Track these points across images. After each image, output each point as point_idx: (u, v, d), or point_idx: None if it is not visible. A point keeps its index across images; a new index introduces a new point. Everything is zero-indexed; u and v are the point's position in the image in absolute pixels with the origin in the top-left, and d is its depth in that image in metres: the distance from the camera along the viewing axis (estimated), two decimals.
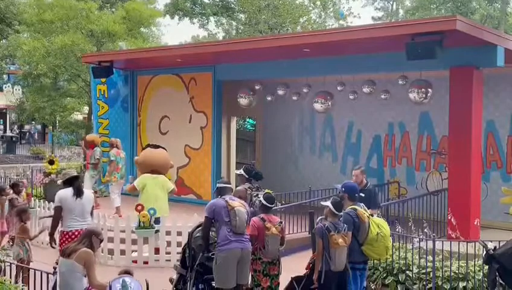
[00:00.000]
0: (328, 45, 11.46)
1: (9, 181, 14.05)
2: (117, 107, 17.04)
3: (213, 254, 6.92)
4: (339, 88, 13.52)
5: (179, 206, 12.66)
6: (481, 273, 7.61)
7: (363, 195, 8.06)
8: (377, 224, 7.16)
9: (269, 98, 15.02)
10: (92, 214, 8.00)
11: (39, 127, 41.69)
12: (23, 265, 7.82)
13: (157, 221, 10.20)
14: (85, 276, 6.07)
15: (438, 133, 13.79)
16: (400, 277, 8.07)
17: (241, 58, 13.83)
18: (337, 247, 6.76)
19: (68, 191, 7.71)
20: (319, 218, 7.49)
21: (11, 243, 10.57)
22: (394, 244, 8.16)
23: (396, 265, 8.20)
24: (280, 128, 16.71)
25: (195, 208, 12.28)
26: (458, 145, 10.75)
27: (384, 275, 8.21)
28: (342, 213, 7.08)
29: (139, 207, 10.15)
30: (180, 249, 8.15)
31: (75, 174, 8.12)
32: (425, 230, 8.87)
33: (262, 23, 29.04)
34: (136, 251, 10.27)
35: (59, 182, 9.71)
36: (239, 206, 6.99)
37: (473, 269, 7.78)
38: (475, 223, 10.59)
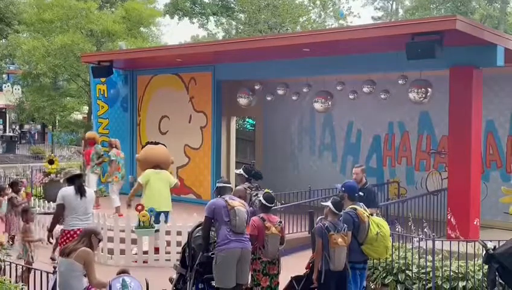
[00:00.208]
0: (328, 45, 11.46)
1: (9, 181, 14.03)
2: (117, 107, 17.04)
3: (213, 254, 6.92)
4: (338, 88, 13.52)
5: (178, 205, 12.65)
6: (481, 273, 7.61)
7: (362, 194, 8.06)
8: (377, 224, 7.16)
9: (269, 98, 15.02)
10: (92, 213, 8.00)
11: (39, 127, 41.69)
12: (22, 265, 7.81)
13: (165, 216, 10.32)
14: (85, 275, 6.07)
15: (437, 133, 13.79)
16: (399, 277, 8.07)
17: (240, 58, 13.83)
18: (337, 247, 6.76)
19: (71, 190, 7.69)
20: (318, 218, 7.50)
21: (11, 243, 10.59)
22: (394, 244, 8.16)
23: (396, 265, 8.20)
24: (280, 128, 16.71)
25: (195, 207, 12.28)
26: (458, 145, 10.75)
27: (384, 274, 8.21)
28: (342, 213, 7.08)
29: (139, 207, 10.16)
30: (179, 249, 8.16)
31: (78, 172, 8.13)
32: (425, 230, 8.86)
33: (262, 23, 29.05)
34: (136, 246, 10.28)
35: (62, 180, 9.75)
36: (239, 205, 7.00)
37: (473, 269, 7.78)
38: (475, 222, 10.60)
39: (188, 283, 7.06)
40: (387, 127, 14.69)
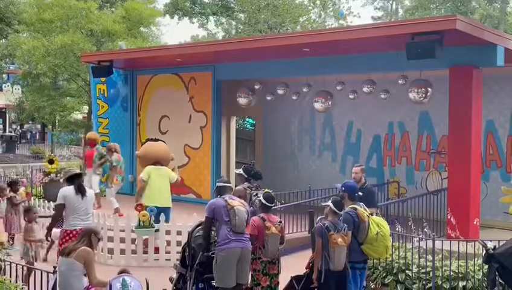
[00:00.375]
0: (328, 45, 11.46)
1: (8, 180, 14.02)
2: (117, 107, 17.04)
3: (213, 253, 6.93)
4: (338, 88, 13.52)
5: (178, 205, 12.65)
6: (481, 273, 7.61)
7: (361, 194, 8.06)
8: (377, 223, 7.16)
9: (269, 98, 15.02)
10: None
11: (39, 126, 41.70)
12: (22, 265, 7.80)
13: (165, 212, 10.34)
14: (85, 275, 6.08)
15: (437, 133, 13.79)
16: (399, 277, 8.07)
17: (240, 57, 13.83)
18: (337, 246, 6.76)
19: (71, 189, 7.66)
20: (318, 217, 7.50)
21: (11, 242, 10.60)
22: (394, 243, 8.16)
23: (396, 264, 8.20)
24: (280, 127, 16.71)
25: (194, 207, 12.28)
26: (458, 145, 10.75)
27: (384, 274, 8.21)
28: (342, 212, 7.09)
29: (138, 207, 10.18)
30: (179, 249, 8.16)
31: (78, 171, 8.11)
32: (425, 230, 8.87)
33: (261, 23, 29.05)
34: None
35: (61, 180, 9.74)
36: (238, 205, 7.00)
37: (473, 269, 7.78)
38: (475, 222, 10.60)
39: (188, 283, 7.06)
40: (387, 127, 14.69)
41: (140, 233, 10.14)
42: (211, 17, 38.02)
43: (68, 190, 7.67)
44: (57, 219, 7.85)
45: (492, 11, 35.46)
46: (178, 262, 7.46)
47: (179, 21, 38.73)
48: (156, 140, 11.56)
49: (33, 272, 7.25)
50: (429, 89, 11.40)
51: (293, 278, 7.33)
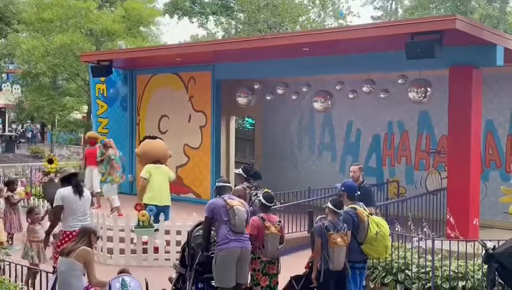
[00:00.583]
0: (327, 44, 11.46)
1: (5, 180, 14.03)
2: (116, 106, 17.03)
3: (212, 253, 6.92)
4: (338, 87, 13.52)
5: (178, 205, 12.65)
6: (480, 273, 7.61)
7: (359, 193, 8.06)
8: (376, 223, 7.16)
9: (268, 98, 15.02)
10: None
11: (38, 126, 41.67)
12: (22, 265, 7.80)
13: (165, 210, 10.36)
14: (84, 275, 6.07)
15: (437, 133, 13.79)
16: (399, 276, 8.08)
17: (240, 57, 13.83)
18: (336, 246, 6.76)
19: (69, 190, 7.55)
20: (318, 217, 7.50)
21: (10, 242, 10.60)
22: (393, 243, 8.16)
23: (395, 264, 8.21)
24: (279, 127, 16.71)
25: (194, 207, 12.28)
26: (457, 145, 10.75)
27: (384, 274, 8.21)
28: (341, 211, 7.08)
29: (138, 207, 10.17)
30: (179, 248, 8.16)
31: (73, 171, 8.04)
32: (424, 229, 8.87)
33: (261, 23, 29.03)
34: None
35: (56, 180, 9.69)
36: (238, 205, 7.00)
37: (472, 269, 7.79)
38: (474, 222, 10.60)
39: (188, 283, 7.06)
40: (386, 126, 14.69)
41: (139, 233, 10.13)
42: (211, 17, 38.02)
43: (66, 191, 7.55)
44: (56, 222, 7.66)
45: (492, 11, 35.45)
46: (177, 262, 7.45)
47: (179, 21, 38.74)
48: (154, 138, 11.55)
49: (38, 274, 7.20)
50: (429, 89, 11.39)
51: (292, 278, 7.33)
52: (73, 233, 7.31)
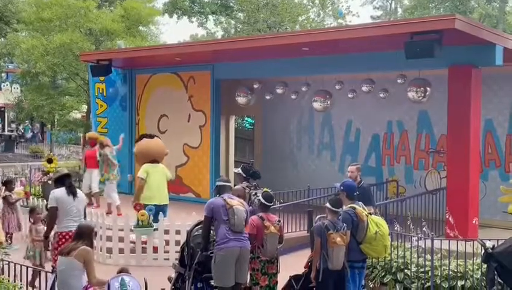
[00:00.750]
0: (327, 44, 11.45)
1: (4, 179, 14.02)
2: (115, 106, 17.03)
3: (211, 253, 6.92)
4: (337, 87, 13.52)
5: (177, 204, 12.66)
6: (479, 272, 7.62)
7: (357, 193, 8.06)
8: (376, 223, 7.17)
9: (268, 97, 15.01)
10: (85, 214, 7.79)
11: (38, 125, 41.65)
12: (21, 264, 7.79)
13: (163, 209, 10.39)
14: (84, 274, 6.06)
15: (436, 132, 13.79)
16: (398, 276, 8.08)
17: (239, 57, 13.82)
18: (335, 246, 6.76)
19: (63, 191, 7.53)
20: (317, 217, 7.50)
21: (9, 242, 10.59)
22: (393, 243, 8.16)
23: (394, 264, 8.21)
24: (279, 127, 16.71)
25: (193, 206, 12.28)
26: (457, 144, 10.75)
27: (383, 273, 8.21)
28: (341, 210, 7.08)
29: (137, 206, 10.17)
30: (178, 248, 8.16)
31: (66, 172, 8.01)
32: (423, 229, 8.87)
33: (261, 22, 29.01)
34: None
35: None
36: (237, 205, 6.99)
37: (472, 268, 7.79)
38: (473, 222, 10.60)
39: (187, 282, 7.06)
40: (386, 126, 14.69)
41: (139, 232, 10.13)
42: (210, 16, 37.99)
43: (60, 192, 7.53)
44: (52, 224, 7.62)
45: (491, 11, 35.46)
46: (177, 261, 7.45)
47: (178, 20, 38.70)
48: (152, 137, 11.50)
49: (38, 275, 7.19)
50: (428, 88, 11.39)
51: (291, 277, 7.33)
52: (70, 233, 7.28)
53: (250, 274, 7.26)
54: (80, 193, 7.74)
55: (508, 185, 12.48)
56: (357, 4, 71.34)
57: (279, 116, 16.60)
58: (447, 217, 10.12)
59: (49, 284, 6.55)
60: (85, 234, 6.25)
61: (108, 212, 12.43)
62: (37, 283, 7.41)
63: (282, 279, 7.39)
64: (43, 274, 7.00)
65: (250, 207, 7.67)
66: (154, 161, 10.95)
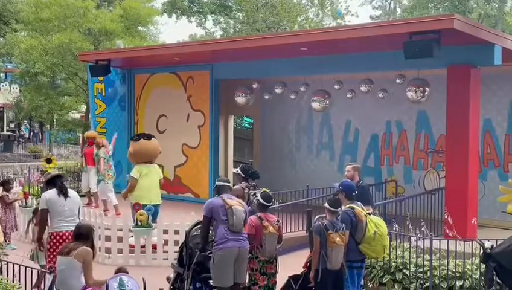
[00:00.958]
0: (326, 44, 11.45)
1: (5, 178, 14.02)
2: (114, 106, 17.01)
3: (210, 253, 6.92)
4: (336, 87, 13.52)
5: (176, 204, 12.68)
6: (478, 272, 7.62)
7: (355, 192, 8.05)
8: (375, 223, 7.17)
9: (267, 97, 15.01)
10: (79, 214, 7.66)
11: (36, 125, 41.64)
12: (19, 264, 7.77)
13: (154, 210, 10.37)
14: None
15: (435, 132, 13.79)
16: (397, 276, 8.08)
17: (238, 56, 13.82)
18: (335, 245, 6.76)
19: (53, 192, 7.46)
20: (316, 217, 7.50)
21: (8, 242, 10.59)
22: (391, 243, 8.16)
23: (393, 264, 8.21)
24: (277, 126, 16.71)
25: (192, 206, 12.28)
26: (455, 144, 10.76)
27: (382, 273, 8.21)
28: (340, 210, 7.08)
29: (136, 206, 10.17)
30: (177, 248, 8.15)
31: (57, 173, 7.95)
32: (422, 229, 8.87)
33: (259, 22, 29.01)
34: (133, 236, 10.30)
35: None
36: (236, 205, 6.99)
37: (470, 268, 7.79)
38: (472, 222, 10.61)
39: (186, 282, 7.06)
40: (385, 126, 14.69)
41: (138, 233, 10.13)
42: (209, 16, 37.99)
43: (50, 194, 7.47)
44: (44, 226, 7.57)
45: (490, 11, 35.44)
46: (175, 261, 7.45)
47: (177, 20, 38.71)
48: (149, 138, 11.38)
49: (29, 271, 7.19)
50: (427, 88, 11.38)
51: (290, 277, 7.34)
52: (60, 234, 7.27)
53: (249, 274, 7.25)
54: (72, 193, 7.64)
55: (507, 185, 12.50)
56: (356, 4, 71.51)
57: (278, 116, 16.60)
58: (446, 217, 10.13)
59: (48, 284, 6.54)
60: (85, 234, 6.25)
61: (106, 210, 12.45)
62: (32, 282, 7.39)
63: (281, 279, 7.39)
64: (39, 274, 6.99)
65: (249, 207, 7.67)
66: (148, 161, 10.98)
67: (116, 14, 25.12)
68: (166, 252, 10.25)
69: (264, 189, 7.68)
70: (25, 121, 41.02)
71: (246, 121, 21.70)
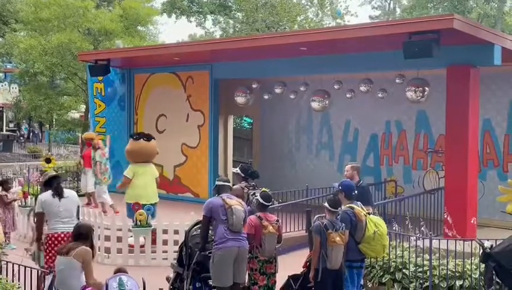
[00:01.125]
0: (325, 44, 11.45)
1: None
2: (114, 106, 17.01)
3: (210, 252, 6.92)
4: (336, 87, 13.52)
5: (175, 204, 12.67)
6: (478, 272, 7.62)
7: (355, 192, 8.04)
8: (374, 223, 7.16)
9: (266, 97, 15.01)
10: (78, 215, 7.59)
11: (36, 125, 41.65)
12: (19, 264, 7.76)
13: (150, 208, 10.38)
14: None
15: (434, 132, 13.79)
16: (396, 275, 8.08)
17: (238, 56, 13.82)
18: (334, 245, 6.76)
19: (48, 194, 7.38)
20: (316, 216, 7.50)
21: (7, 242, 10.59)
22: (391, 242, 8.15)
23: (393, 263, 8.20)
24: (277, 126, 16.70)
25: (192, 206, 12.27)
26: (455, 144, 10.76)
27: (381, 273, 8.21)
28: (339, 209, 7.08)
29: (135, 206, 10.17)
30: (177, 248, 8.15)
31: (54, 174, 7.92)
32: (422, 229, 8.87)
33: (259, 22, 29.03)
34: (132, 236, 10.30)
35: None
36: (236, 204, 6.99)
37: (470, 268, 7.78)
38: (472, 221, 10.61)
39: (185, 282, 7.05)
40: (384, 126, 14.69)
41: (137, 232, 10.13)
42: (209, 16, 38.00)
43: (44, 196, 7.40)
44: (41, 229, 7.48)
45: (490, 10, 35.46)
46: (175, 261, 7.45)
47: (177, 20, 38.72)
48: (149, 139, 11.34)
49: (29, 271, 7.18)
50: (426, 88, 11.38)
51: (290, 277, 7.33)
52: (56, 235, 7.22)
53: (249, 274, 7.25)
54: (69, 193, 7.55)
55: (507, 184, 12.50)
56: (355, 4, 71.44)
57: (277, 116, 16.60)
58: (446, 216, 10.13)
59: (47, 284, 6.54)
60: (84, 234, 6.24)
61: (104, 211, 12.45)
62: (34, 283, 7.38)
63: (280, 279, 7.39)
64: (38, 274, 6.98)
65: (249, 207, 7.67)
66: (146, 161, 10.98)
67: (115, 14, 25.14)
68: (166, 252, 10.25)
69: (263, 189, 7.68)
70: (24, 121, 41.01)
71: (245, 120, 21.70)
